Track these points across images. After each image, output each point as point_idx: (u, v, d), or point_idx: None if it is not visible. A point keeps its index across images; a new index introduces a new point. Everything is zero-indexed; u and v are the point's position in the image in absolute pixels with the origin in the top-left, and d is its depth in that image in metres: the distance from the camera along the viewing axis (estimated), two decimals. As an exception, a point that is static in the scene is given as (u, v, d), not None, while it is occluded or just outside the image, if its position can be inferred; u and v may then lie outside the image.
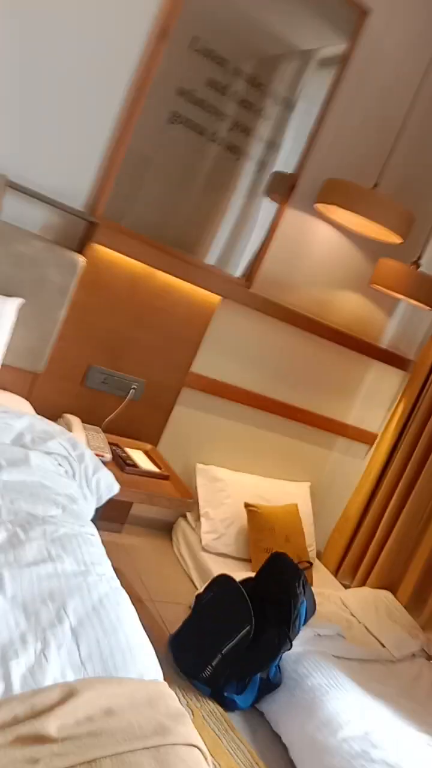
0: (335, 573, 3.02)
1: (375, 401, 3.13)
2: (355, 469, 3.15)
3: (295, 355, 2.89)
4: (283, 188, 2.59)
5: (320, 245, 2.77)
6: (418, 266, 2.67)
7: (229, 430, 2.86)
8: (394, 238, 2.48)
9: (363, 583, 2.92)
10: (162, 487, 2.31)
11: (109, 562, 1.52)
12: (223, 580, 2.05)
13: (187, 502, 2.28)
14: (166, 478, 2.36)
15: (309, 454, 3.10)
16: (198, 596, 2.12)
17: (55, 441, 1.88)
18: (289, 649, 1.99)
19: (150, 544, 2.74)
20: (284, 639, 1.94)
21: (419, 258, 2.70)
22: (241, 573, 2.40)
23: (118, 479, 2.04)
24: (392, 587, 2.84)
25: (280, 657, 1.98)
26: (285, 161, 2.57)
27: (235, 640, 1.92)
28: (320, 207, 2.59)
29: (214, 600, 2.00)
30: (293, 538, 2.77)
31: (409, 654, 2.48)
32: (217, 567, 2.55)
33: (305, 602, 2.01)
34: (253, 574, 2.26)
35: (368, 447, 3.19)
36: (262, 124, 2.49)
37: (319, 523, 3.08)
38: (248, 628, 1.91)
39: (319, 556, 3.08)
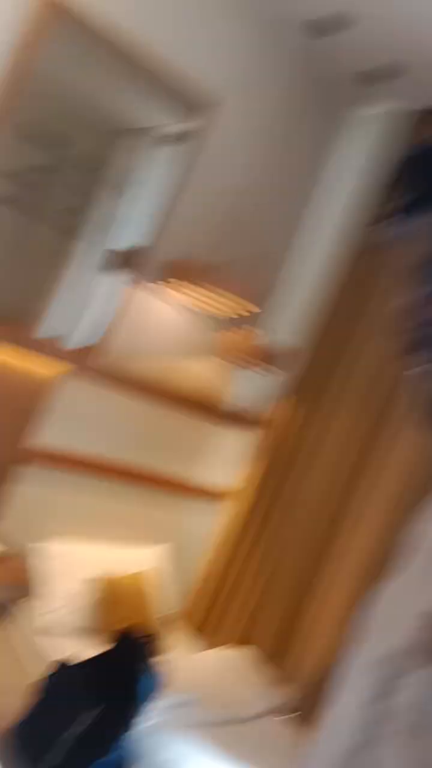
0: (199, 633, 3.04)
1: (225, 461, 3.23)
2: (209, 527, 3.21)
3: (144, 423, 2.93)
4: (129, 265, 2.66)
5: (169, 317, 2.86)
6: (260, 335, 2.84)
7: (76, 503, 2.82)
8: (246, 310, 2.63)
9: (228, 641, 2.95)
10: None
11: None
12: (58, 667, 2.00)
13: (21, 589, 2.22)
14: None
15: (163, 518, 3.12)
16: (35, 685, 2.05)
17: None
18: (129, 730, 1.96)
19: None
20: (123, 720, 1.91)
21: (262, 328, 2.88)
22: (87, 651, 2.35)
23: None
24: (256, 642, 2.90)
25: (122, 740, 1.95)
26: (129, 237, 2.65)
27: (79, 728, 1.88)
28: (168, 285, 2.69)
29: (48, 690, 1.94)
30: (140, 607, 2.74)
31: (265, 711, 2.53)
32: (59, 649, 2.45)
33: (144, 680, 2.00)
34: (103, 650, 2.23)
35: (221, 504, 3.27)
36: (95, 202, 2.57)
37: (179, 585, 3.09)
38: (97, 710, 1.87)
39: (182, 617, 3.09)
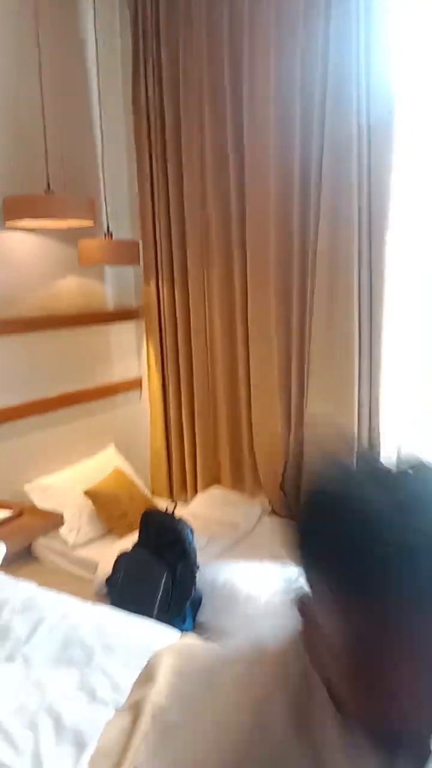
0: (171, 498, 3.53)
1: (126, 354, 3.56)
2: (140, 413, 3.61)
3: (49, 353, 3.14)
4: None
5: (24, 252, 2.99)
6: (111, 236, 3.07)
7: (39, 442, 3.07)
8: (86, 223, 2.82)
9: (195, 493, 3.48)
10: (24, 522, 2.50)
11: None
12: (124, 556, 2.41)
13: (57, 518, 2.53)
14: (20, 514, 2.55)
15: (104, 422, 3.46)
16: (108, 580, 2.44)
17: None
18: (194, 572, 2.47)
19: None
20: (192, 567, 2.40)
21: (108, 229, 3.09)
22: (118, 544, 2.77)
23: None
24: (217, 481, 3.45)
25: (194, 580, 2.45)
26: None
27: (160, 591, 2.33)
28: (10, 224, 2.79)
29: (127, 573, 2.36)
30: (134, 493, 3.18)
31: (256, 518, 3.14)
32: (93, 553, 2.86)
33: (188, 530, 2.49)
34: (126, 541, 2.66)
35: (140, 390, 3.65)
36: None
37: (139, 471, 3.51)
38: (166, 574, 2.33)
39: (152, 493, 3.55)
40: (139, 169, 3.29)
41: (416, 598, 0.56)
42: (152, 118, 3.21)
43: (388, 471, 0.63)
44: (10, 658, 1.73)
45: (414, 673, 0.59)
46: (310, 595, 0.65)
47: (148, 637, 1.76)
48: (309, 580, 0.66)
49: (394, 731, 0.64)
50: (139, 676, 1.27)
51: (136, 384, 3.63)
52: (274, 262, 2.92)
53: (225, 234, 3.10)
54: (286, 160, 2.79)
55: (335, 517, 0.60)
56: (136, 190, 3.34)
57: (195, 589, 2.45)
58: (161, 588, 2.33)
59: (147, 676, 1.25)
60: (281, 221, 2.87)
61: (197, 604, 2.48)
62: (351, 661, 0.62)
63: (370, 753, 0.66)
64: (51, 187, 2.80)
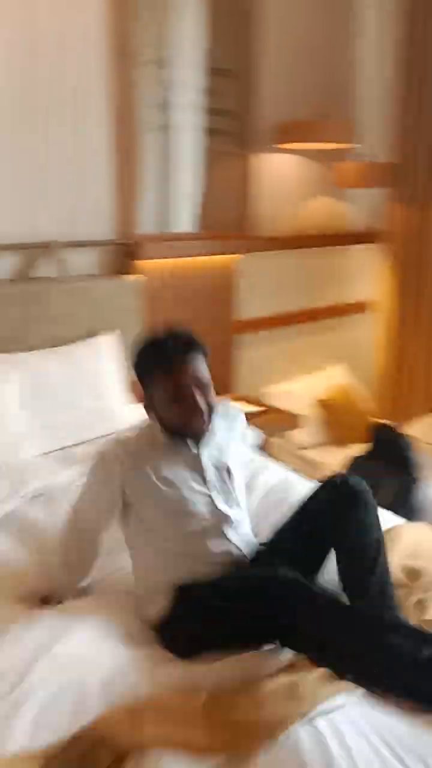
0: (392, 419, 3.74)
1: (364, 276, 3.75)
2: (372, 334, 3.82)
3: (299, 269, 3.43)
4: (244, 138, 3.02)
5: (286, 172, 3.25)
6: (368, 158, 3.23)
7: (279, 352, 3.44)
8: (348, 146, 3.01)
9: (416, 418, 3.65)
10: (270, 419, 2.91)
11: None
12: (356, 461, 2.73)
13: (296, 418, 2.90)
14: (265, 411, 2.96)
15: (337, 340, 3.73)
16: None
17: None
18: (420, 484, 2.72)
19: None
20: (415, 481, 2.66)
21: (365, 152, 3.25)
22: (343, 452, 3.08)
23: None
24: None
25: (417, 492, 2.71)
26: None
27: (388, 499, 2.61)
28: (282, 147, 3.05)
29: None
30: (360, 409, 3.45)
31: None
32: (320, 457, 3.20)
33: (413, 448, 2.74)
34: (350, 450, 2.97)
35: (373, 312, 3.84)
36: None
37: (367, 388, 3.76)
38: (391, 484, 2.60)
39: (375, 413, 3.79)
40: (403, 90, 3.32)
41: (170, 366, 1.52)
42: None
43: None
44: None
45: (190, 398, 1.52)
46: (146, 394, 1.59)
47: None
48: (144, 386, 1.59)
49: (190, 429, 1.57)
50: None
51: (370, 306, 3.82)
52: None
53: None
54: None
55: (139, 354, 1.59)
56: (395, 113, 3.38)
57: (412, 504, 2.71)
58: (390, 498, 2.61)
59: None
60: None
61: (414, 516, 2.73)
62: (168, 404, 1.54)
63: (181, 448, 1.61)
64: (318, 111, 2.99)
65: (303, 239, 3.36)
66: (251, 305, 3.23)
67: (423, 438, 3.33)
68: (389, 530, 1.81)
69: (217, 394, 3.04)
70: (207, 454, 1.62)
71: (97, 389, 2.41)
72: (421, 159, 3.31)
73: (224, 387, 3.16)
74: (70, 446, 2.29)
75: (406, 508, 2.58)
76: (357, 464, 2.72)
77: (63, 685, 1.24)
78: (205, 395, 1.55)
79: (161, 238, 2.82)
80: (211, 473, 1.61)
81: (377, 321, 3.80)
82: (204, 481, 1.59)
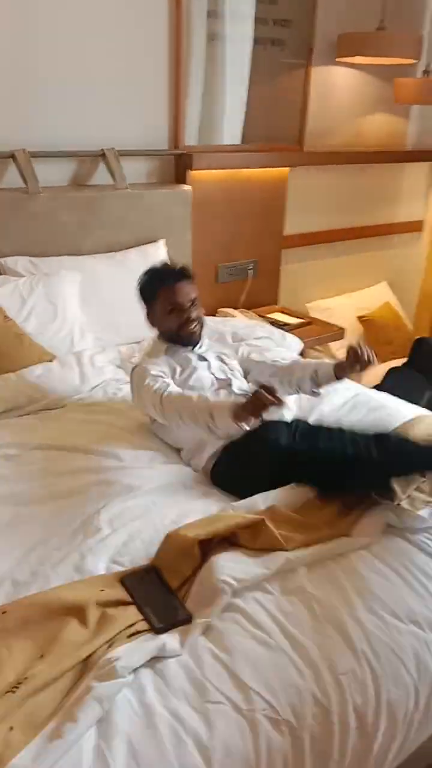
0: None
1: (416, 196, 3.72)
2: (418, 255, 3.82)
3: (349, 187, 3.44)
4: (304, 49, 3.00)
5: (344, 87, 3.23)
6: (429, 74, 3.15)
7: (322, 268, 3.50)
8: (411, 61, 2.94)
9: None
10: (312, 330, 3.01)
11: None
12: (394, 369, 2.83)
13: (339, 330, 3.00)
14: (310, 323, 3.06)
15: (381, 259, 3.75)
16: (377, 387, 2.88)
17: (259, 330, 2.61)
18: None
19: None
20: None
21: (429, 67, 3.16)
22: (381, 366, 3.17)
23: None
24: None
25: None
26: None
27: (422, 404, 2.72)
28: (340, 60, 3.02)
29: (396, 384, 2.76)
30: (400, 326, 3.52)
31: None
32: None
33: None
34: (388, 364, 3.05)
35: (420, 233, 3.83)
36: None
37: (406, 309, 3.80)
38: (428, 392, 2.71)
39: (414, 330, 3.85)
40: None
41: (169, 284, 1.94)
42: None
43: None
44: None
45: (185, 308, 1.93)
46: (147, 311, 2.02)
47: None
48: (147, 305, 2.01)
49: (185, 334, 1.96)
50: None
51: (418, 226, 3.81)
52: None
53: None
54: None
55: (145, 279, 2.01)
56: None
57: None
58: (423, 403, 2.71)
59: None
60: None
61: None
62: (167, 316, 1.95)
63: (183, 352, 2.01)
64: (381, 23, 2.93)
65: (356, 155, 3.36)
66: (301, 220, 3.29)
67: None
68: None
69: (263, 305, 3.22)
70: (205, 351, 2.04)
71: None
72: None
73: (270, 298, 3.27)
74: (122, 344, 2.48)
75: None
76: (392, 374, 2.82)
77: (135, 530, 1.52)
78: (197, 309, 1.97)
79: (214, 149, 2.88)
80: (214, 362, 2.02)
81: (425, 242, 3.80)
82: (210, 367, 2.00)
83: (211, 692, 1.12)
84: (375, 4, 2.99)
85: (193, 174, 2.79)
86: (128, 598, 1.31)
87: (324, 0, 2.95)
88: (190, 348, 2.01)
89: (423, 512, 1.56)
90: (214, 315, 2.99)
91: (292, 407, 2.09)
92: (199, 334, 2.02)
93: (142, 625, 1.25)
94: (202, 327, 2.02)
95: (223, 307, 3.07)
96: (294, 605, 1.32)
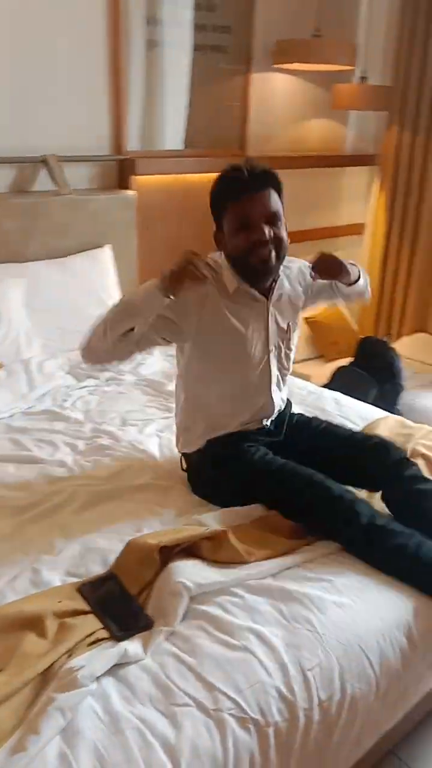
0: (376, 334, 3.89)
1: (357, 198, 3.81)
2: (360, 256, 3.90)
3: (292, 191, 3.46)
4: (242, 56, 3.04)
5: (284, 93, 3.28)
6: (365, 80, 3.23)
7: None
8: (346, 67, 3.02)
9: (399, 337, 3.80)
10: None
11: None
12: (341, 368, 2.87)
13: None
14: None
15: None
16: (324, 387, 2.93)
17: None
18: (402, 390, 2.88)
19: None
20: (398, 387, 2.82)
21: (363, 74, 3.25)
22: (328, 366, 3.22)
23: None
24: (423, 329, 3.73)
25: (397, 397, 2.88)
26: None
27: (369, 402, 2.77)
28: (281, 66, 3.07)
29: (342, 383, 2.81)
30: (345, 326, 3.58)
31: None
32: (306, 370, 3.35)
33: (398, 357, 2.89)
34: (335, 364, 3.11)
35: (362, 236, 3.92)
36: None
37: (350, 309, 3.87)
38: (376, 390, 2.76)
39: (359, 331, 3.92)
40: (402, 14, 3.30)
41: (239, 194, 1.57)
42: None
43: None
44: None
45: (256, 225, 1.55)
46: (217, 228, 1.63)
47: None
48: (216, 217, 1.62)
49: (255, 259, 1.57)
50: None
51: (359, 228, 3.89)
52: None
53: None
54: None
55: (215, 184, 1.61)
56: (394, 36, 3.37)
57: (396, 408, 2.88)
58: (370, 400, 2.77)
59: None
60: None
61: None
62: (235, 234, 1.58)
63: (249, 298, 1.67)
64: (317, 31, 2.99)
65: (298, 160, 3.41)
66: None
67: (409, 354, 3.48)
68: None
69: None
70: (272, 311, 1.70)
71: (96, 297, 2.53)
72: (416, 83, 3.32)
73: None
74: (71, 350, 2.44)
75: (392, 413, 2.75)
76: (340, 373, 2.87)
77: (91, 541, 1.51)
78: (273, 227, 1.58)
79: (156, 154, 2.88)
80: (273, 332, 1.71)
81: (370, 243, 3.88)
82: (267, 337, 1.70)
83: (177, 694, 1.12)
84: (310, 13, 3.06)
85: (137, 179, 2.78)
86: (87, 607, 1.29)
87: (261, 7, 3.00)
88: (258, 292, 1.66)
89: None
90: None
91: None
92: (275, 268, 1.63)
93: (103, 633, 1.23)
94: (279, 257, 1.61)
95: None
96: (260, 605, 1.33)
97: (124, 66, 2.67)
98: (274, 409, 1.77)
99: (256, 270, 1.60)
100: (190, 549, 1.44)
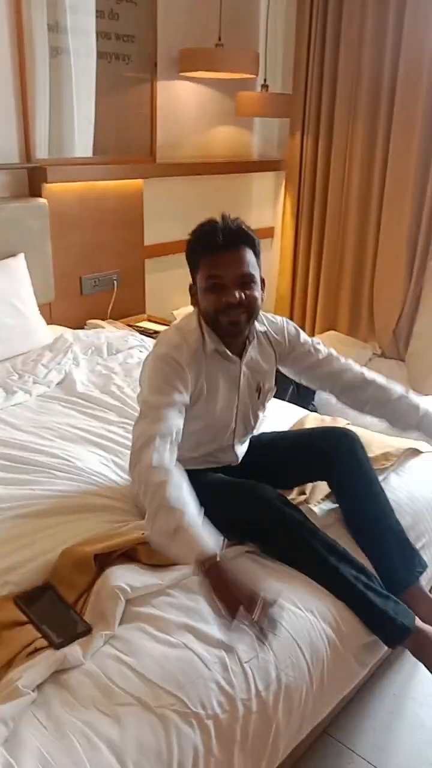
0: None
1: (265, 203, 3.92)
2: (270, 259, 4.02)
3: (203, 196, 3.55)
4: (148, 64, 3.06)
5: (190, 100, 3.34)
6: (267, 88, 3.34)
7: (185, 275, 3.53)
8: (249, 76, 3.11)
9: (313, 335, 3.93)
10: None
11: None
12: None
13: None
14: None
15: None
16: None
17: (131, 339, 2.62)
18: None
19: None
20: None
21: (265, 82, 3.35)
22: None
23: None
24: (334, 327, 3.88)
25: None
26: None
27: (287, 396, 2.86)
28: (183, 74, 3.12)
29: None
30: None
31: (367, 359, 3.59)
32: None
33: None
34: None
35: (271, 239, 4.03)
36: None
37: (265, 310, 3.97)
38: (293, 383, 2.84)
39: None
40: (299, 24, 3.44)
41: (211, 252, 1.51)
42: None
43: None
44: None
45: (225, 286, 1.50)
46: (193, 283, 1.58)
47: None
48: (192, 274, 1.58)
49: (223, 321, 1.52)
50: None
51: (269, 232, 4.01)
52: (420, 120, 3.11)
53: (374, 92, 3.27)
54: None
55: (191, 239, 1.57)
56: (294, 46, 3.50)
57: (312, 404, 2.98)
58: (286, 397, 2.86)
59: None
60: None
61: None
62: (205, 293, 1.53)
63: (222, 359, 1.60)
64: (220, 40, 3.07)
65: (207, 166, 3.48)
66: (160, 230, 3.35)
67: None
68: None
69: (131, 315, 3.25)
70: (245, 370, 1.65)
71: (9, 306, 2.49)
72: (315, 90, 3.46)
73: (137, 308, 3.31)
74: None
75: (309, 410, 2.85)
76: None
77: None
78: (246, 289, 1.52)
79: (66, 162, 2.87)
80: (243, 393, 1.66)
81: (278, 246, 4.00)
82: (237, 397, 1.65)
83: (119, 695, 1.13)
84: (213, 22, 3.13)
85: (49, 187, 2.76)
86: (23, 618, 1.29)
87: (164, 16, 3.04)
88: (231, 353, 1.60)
89: (316, 508, 1.69)
90: (82, 327, 2.98)
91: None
92: (245, 329, 1.57)
93: (41, 643, 1.23)
94: (250, 319, 1.56)
95: (92, 318, 3.06)
96: (197, 603, 1.35)
97: (29, 73, 2.64)
98: (236, 460, 1.76)
99: (226, 330, 1.56)
100: (127, 554, 1.46)
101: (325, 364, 1.76)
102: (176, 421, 1.45)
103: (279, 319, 1.76)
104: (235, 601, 1.16)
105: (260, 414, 1.76)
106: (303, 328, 3.94)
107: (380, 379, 1.78)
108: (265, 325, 1.71)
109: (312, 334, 3.90)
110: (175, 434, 1.43)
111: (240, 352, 1.63)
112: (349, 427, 2.09)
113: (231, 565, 1.22)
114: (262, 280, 1.59)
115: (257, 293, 1.54)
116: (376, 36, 3.17)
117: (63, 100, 2.86)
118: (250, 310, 1.54)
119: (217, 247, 1.51)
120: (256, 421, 1.76)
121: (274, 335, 1.71)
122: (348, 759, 1.64)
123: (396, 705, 1.81)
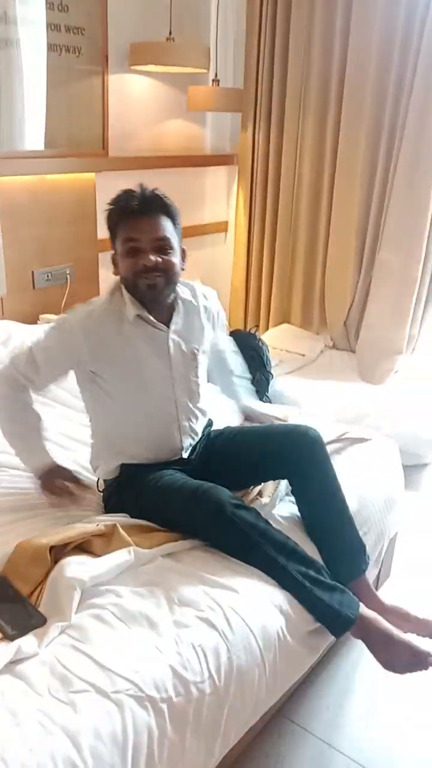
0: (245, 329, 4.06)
1: (218, 197, 3.95)
2: (225, 253, 4.05)
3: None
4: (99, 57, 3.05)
5: (142, 94, 3.33)
6: (218, 83, 3.36)
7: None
8: (200, 70, 3.13)
9: (267, 329, 3.99)
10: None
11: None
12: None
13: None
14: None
15: (194, 259, 3.88)
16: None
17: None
18: (272, 378, 3.05)
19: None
20: (267, 376, 2.98)
21: (216, 76, 3.37)
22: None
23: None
24: (287, 319, 3.94)
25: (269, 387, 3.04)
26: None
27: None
28: (134, 68, 3.12)
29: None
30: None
31: (320, 351, 3.66)
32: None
33: (266, 347, 3.05)
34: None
35: (225, 233, 4.07)
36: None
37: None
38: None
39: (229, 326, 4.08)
40: (249, 19, 3.47)
41: (127, 219, 1.62)
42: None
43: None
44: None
45: (142, 252, 1.57)
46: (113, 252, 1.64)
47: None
48: (111, 242, 1.64)
49: (141, 287, 1.58)
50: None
51: (223, 226, 4.04)
52: (368, 113, 3.17)
53: (324, 86, 3.32)
54: (390, 23, 2.98)
55: (109, 208, 1.65)
56: (244, 41, 3.53)
57: (267, 396, 3.04)
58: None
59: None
60: (379, 79, 3.09)
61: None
62: (123, 259, 1.62)
63: (147, 325, 1.65)
64: (171, 34, 3.08)
65: (159, 160, 3.48)
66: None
67: (275, 344, 3.68)
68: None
69: None
70: (173, 337, 1.68)
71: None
72: (266, 85, 3.50)
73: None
74: None
75: (263, 401, 2.91)
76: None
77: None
78: (162, 253, 1.59)
79: (16, 155, 2.83)
80: (177, 360, 1.69)
81: (232, 240, 4.04)
82: (170, 366, 1.68)
83: (75, 682, 1.16)
84: (164, 16, 3.14)
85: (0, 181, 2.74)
86: (-22, 611, 1.30)
87: (114, 9, 3.03)
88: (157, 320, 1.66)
89: (270, 501, 1.75)
90: (35, 323, 2.96)
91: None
92: (164, 294, 1.63)
93: (-5, 635, 1.25)
94: (168, 284, 1.62)
95: (45, 313, 3.04)
96: (149, 591, 1.39)
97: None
98: (186, 442, 1.76)
99: (144, 294, 1.61)
100: (82, 546, 1.48)
101: (221, 337, 1.99)
102: (43, 377, 1.66)
103: (210, 290, 1.92)
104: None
105: (199, 381, 1.77)
106: (257, 322, 4.07)
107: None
108: (198, 295, 1.82)
109: (266, 327, 3.96)
110: (32, 386, 1.67)
111: (167, 321, 1.69)
112: (302, 416, 2.16)
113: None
114: (183, 251, 1.68)
115: (175, 259, 1.62)
116: (325, 31, 3.22)
117: (13, 93, 2.82)
118: (168, 274, 1.61)
119: (134, 212, 1.59)
120: (198, 389, 1.77)
121: (207, 304, 1.84)
122: (302, 738, 1.70)
123: (347, 683, 1.88)
